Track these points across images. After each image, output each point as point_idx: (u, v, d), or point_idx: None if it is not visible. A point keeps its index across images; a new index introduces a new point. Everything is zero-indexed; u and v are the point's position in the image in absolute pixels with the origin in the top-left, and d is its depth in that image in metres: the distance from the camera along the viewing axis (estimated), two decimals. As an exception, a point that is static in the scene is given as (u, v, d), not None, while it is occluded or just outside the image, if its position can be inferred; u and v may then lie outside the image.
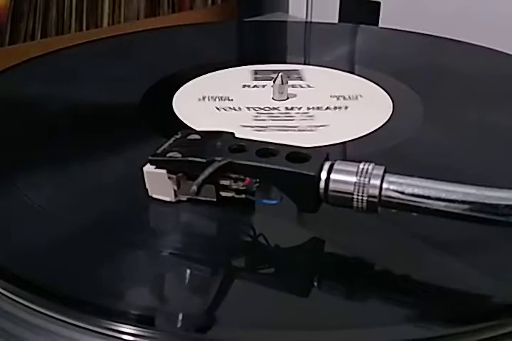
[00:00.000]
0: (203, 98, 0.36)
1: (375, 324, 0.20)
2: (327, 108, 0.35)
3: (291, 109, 0.34)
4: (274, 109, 0.34)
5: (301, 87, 0.38)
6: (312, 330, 0.20)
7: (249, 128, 0.32)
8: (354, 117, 0.34)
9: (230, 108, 0.35)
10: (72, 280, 0.22)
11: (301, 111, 0.34)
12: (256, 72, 0.40)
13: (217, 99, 0.36)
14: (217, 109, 0.35)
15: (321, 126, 0.32)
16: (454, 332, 0.20)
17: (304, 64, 0.42)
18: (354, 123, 0.33)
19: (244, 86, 0.38)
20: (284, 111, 0.34)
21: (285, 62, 0.42)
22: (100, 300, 0.21)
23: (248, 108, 0.35)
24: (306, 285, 0.22)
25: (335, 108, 0.35)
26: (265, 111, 0.34)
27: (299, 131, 0.32)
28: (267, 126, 0.32)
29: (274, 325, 0.20)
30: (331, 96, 0.36)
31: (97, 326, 0.20)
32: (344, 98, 0.36)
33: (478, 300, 0.21)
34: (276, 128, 0.32)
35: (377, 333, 0.20)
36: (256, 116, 0.33)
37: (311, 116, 0.34)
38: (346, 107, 0.35)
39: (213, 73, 0.40)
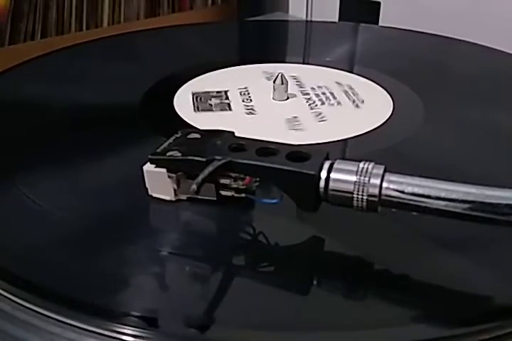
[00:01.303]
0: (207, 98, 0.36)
1: (375, 325, 0.20)
2: (329, 106, 0.35)
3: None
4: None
5: (303, 86, 0.38)
6: (312, 330, 0.20)
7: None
8: (354, 116, 0.34)
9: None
10: (72, 280, 0.22)
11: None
12: (255, 72, 0.40)
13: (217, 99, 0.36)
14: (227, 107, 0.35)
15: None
16: (454, 333, 0.20)
17: (304, 63, 0.42)
18: (354, 122, 0.33)
19: (243, 86, 0.38)
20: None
21: (285, 62, 0.42)
22: (100, 300, 0.21)
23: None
24: (306, 284, 0.22)
25: (337, 104, 0.35)
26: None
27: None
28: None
29: (274, 325, 0.20)
30: (329, 95, 0.36)
31: (96, 327, 0.20)
32: (344, 97, 0.36)
33: (479, 300, 0.21)
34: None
35: (377, 334, 0.20)
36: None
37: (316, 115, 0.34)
38: (346, 106, 0.35)
39: (213, 73, 0.40)
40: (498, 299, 0.21)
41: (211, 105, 0.35)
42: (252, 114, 0.34)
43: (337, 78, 0.39)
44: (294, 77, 0.39)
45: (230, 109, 0.35)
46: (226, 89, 0.37)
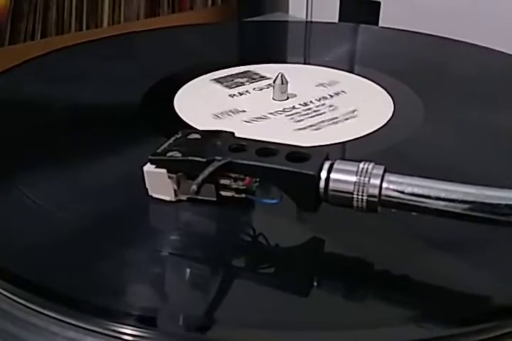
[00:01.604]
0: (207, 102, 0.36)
1: (375, 324, 0.20)
2: (330, 106, 0.35)
3: (293, 108, 0.35)
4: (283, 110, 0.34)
5: (303, 86, 0.38)
6: (312, 330, 0.20)
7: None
8: (340, 124, 0.33)
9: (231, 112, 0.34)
10: (72, 280, 0.22)
11: (302, 110, 0.34)
12: (255, 72, 0.40)
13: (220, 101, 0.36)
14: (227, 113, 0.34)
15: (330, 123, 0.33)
16: (453, 333, 0.20)
17: (304, 63, 0.42)
18: (354, 122, 0.33)
19: (242, 86, 0.38)
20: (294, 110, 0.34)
21: (285, 62, 0.42)
22: (100, 300, 0.21)
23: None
24: (306, 285, 0.22)
25: (337, 105, 0.35)
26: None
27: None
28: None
29: (274, 325, 0.20)
30: (329, 94, 0.36)
31: (96, 326, 0.20)
32: (344, 97, 0.36)
33: (478, 300, 0.21)
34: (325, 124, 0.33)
35: (377, 334, 0.20)
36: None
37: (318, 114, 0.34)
38: (347, 106, 0.35)
39: (213, 73, 0.40)
40: (496, 299, 0.21)
41: (231, 80, 0.37)
42: (232, 97, 0.35)
43: (337, 78, 0.39)
44: (294, 77, 0.39)
45: (230, 88, 0.36)
46: (270, 77, 0.38)
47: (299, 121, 0.33)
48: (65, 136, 0.32)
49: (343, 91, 0.37)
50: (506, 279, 0.22)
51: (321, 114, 0.34)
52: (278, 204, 0.24)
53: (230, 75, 0.39)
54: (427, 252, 0.23)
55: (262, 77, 0.39)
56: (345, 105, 0.35)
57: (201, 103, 0.35)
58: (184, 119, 0.33)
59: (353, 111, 0.34)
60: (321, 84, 0.38)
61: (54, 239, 0.24)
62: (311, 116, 0.34)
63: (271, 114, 0.34)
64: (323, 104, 0.35)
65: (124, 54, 0.44)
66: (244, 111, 0.34)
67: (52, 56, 0.43)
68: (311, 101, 0.35)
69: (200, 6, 0.69)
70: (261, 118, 0.33)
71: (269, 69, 0.40)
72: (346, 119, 0.33)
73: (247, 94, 0.36)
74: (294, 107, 0.35)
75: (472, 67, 0.42)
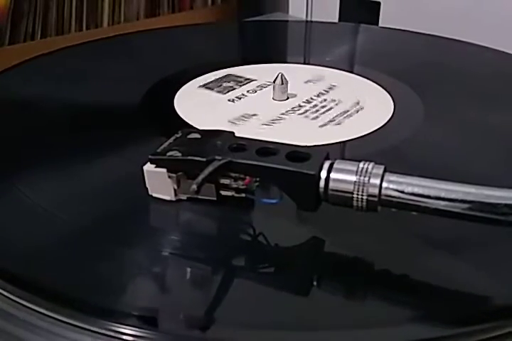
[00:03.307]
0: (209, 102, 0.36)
1: (375, 324, 0.20)
2: (330, 106, 0.35)
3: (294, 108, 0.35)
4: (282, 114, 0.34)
5: (302, 86, 0.38)
6: (312, 330, 0.20)
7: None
8: (354, 116, 0.34)
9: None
10: (72, 280, 0.22)
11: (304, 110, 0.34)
12: (236, 74, 0.40)
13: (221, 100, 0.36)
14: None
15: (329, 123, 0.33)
16: (453, 333, 0.20)
17: (304, 63, 0.42)
18: (354, 122, 0.33)
19: (234, 90, 0.37)
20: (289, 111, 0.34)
21: (285, 62, 0.42)
22: (100, 300, 0.21)
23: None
24: (306, 284, 0.22)
25: (337, 105, 0.35)
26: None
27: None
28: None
29: (274, 325, 0.20)
30: (329, 95, 0.36)
31: (96, 326, 0.20)
32: (344, 97, 0.36)
33: (479, 300, 0.21)
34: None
35: (377, 333, 0.20)
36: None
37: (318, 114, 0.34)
38: (347, 106, 0.35)
39: (213, 73, 0.40)
40: (497, 299, 0.21)
41: (219, 86, 0.36)
42: (233, 102, 0.35)
43: (337, 78, 0.39)
44: (309, 79, 0.39)
45: (225, 93, 0.35)
46: (255, 79, 0.38)
47: (315, 118, 0.33)
48: (65, 135, 0.32)
49: (333, 85, 0.37)
50: (506, 279, 0.22)
51: (330, 109, 0.34)
52: (278, 203, 0.24)
53: (215, 80, 0.38)
54: (427, 252, 0.23)
55: (248, 79, 0.38)
56: (347, 98, 0.35)
57: (206, 110, 0.34)
58: (184, 119, 0.33)
59: (358, 103, 0.35)
60: (310, 81, 0.38)
61: (54, 238, 0.24)
62: (323, 112, 0.34)
63: (283, 114, 0.34)
64: (325, 100, 0.35)
65: (124, 54, 0.44)
66: (255, 114, 0.34)
67: (52, 56, 0.43)
68: (311, 98, 0.36)
69: (200, 6, 0.69)
70: (277, 119, 0.33)
71: (249, 71, 0.40)
72: (357, 111, 0.34)
73: (245, 97, 0.36)
74: (300, 106, 0.35)
75: (472, 66, 0.42)
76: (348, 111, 0.34)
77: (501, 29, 0.55)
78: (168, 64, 0.41)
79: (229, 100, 0.35)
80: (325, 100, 0.35)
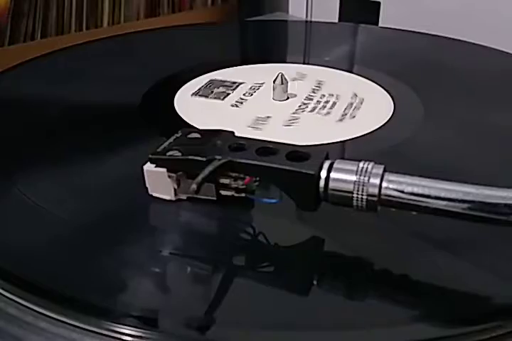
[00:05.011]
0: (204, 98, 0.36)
1: (375, 324, 0.20)
2: (330, 106, 0.35)
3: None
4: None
5: (301, 86, 0.38)
6: (312, 330, 0.20)
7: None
8: (354, 117, 0.34)
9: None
10: (72, 280, 0.22)
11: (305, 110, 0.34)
12: (253, 73, 0.40)
13: (221, 98, 0.36)
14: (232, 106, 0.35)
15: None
16: (453, 332, 0.20)
17: (304, 63, 0.42)
18: (354, 122, 0.33)
19: (230, 95, 0.37)
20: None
21: (285, 62, 0.42)
22: (100, 300, 0.21)
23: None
24: (306, 284, 0.22)
25: (337, 105, 0.35)
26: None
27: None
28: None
29: (274, 325, 0.20)
30: (329, 94, 0.36)
31: (96, 327, 0.20)
32: (344, 97, 0.36)
33: (479, 300, 0.21)
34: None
35: (377, 334, 0.20)
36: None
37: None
38: (347, 106, 0.35)
39: (213, 73, 0.40)
40: (497, 299, 0.21)
41: (212, 92, 0.36)
42: (237, 106, 0.35)
43: (337, 78, 0.39)
44: (294, 78, 0.39)
45: (223, 99, 0.35)
46: (242, 81, 0.37)
47: (327, 113, 0.34)
48: (65, 135, 0.32)
49: (342, 92, 0.37)
50: (506, 279, 0.22)
51: (335, 104, 0.35)
52: (278, 203, 0.24)
53: (204, 87, 0.38)
54: (426, 252, 0.23)
55: (235, 83, 0.38)
56: (342, 92, 0.36)
57: (212, 118, 0.34)
58: (184, 119, 0.33)
59: (356, 95, 0.35)
60: (321, 85, 0.38)
61: (53, 238, 0.24)
62: (331, 107, 0.34)
63: (295, 113, 0.34)
64: (323, 95, 0.36)
65: (124, 54, 0.44)
66: (269, 116, 0.34)
67: (52, 56, 0.43)
68: (310, 95, 0.36)
69: (200, 6, 0.69)
70: (294, 119, 0.33)
71: (229, 74, 0.40)
72: (361, 103, 0.35)
73: (245, 101, 0.36)
74: (304, 103, 0.35)
75: (472, 66, 0.42)
76: (352, 103, 0.34)
77: (501, 29, 0.55)
78: (168, 64, 0.41)
79: (232, 105, 0.35)
80: (324, 95, 0.36)
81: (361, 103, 0.35)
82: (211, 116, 0.34)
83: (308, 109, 0.34)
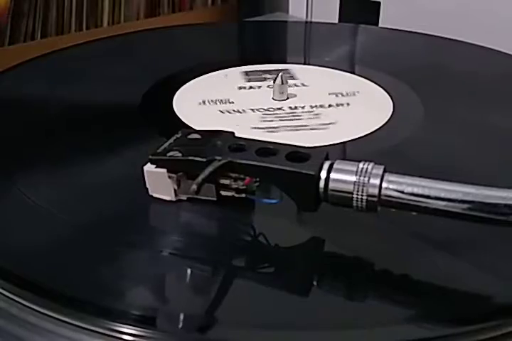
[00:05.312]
0: (203, 101, 0.36)
1: (375, 324, 0.20)
2: (330, 106, 0.35)
3: (295, 108, 0.34)
4: (279, 109, 0.34)
5: (301, 86, 0.38)
6: (312, 330, 0.20)
7: (260, 129, 0.32)
8: (354, 117, 0.34)
9: (233, 110, 0.34)
10: (72, 280, 0.22)
11: (305, 110, 0.34)
12: (253, 72, 0.40)
13: (217, 102, 0.35)
14: (221, 111, 0.34)
15: (329, 123, 0.33)
16: (454, 332, 0.20)
17: (304, 64, 0.42)
18: (354, 123, 0.33)
19: (240, 87, 0.38)
20: (288, 110, 0.34)
21: (285, 62, 0.42)
22: (100, 300, 0.21)
23: (252, 109, 0.34)
24: (306, 285, 0.22)
25: (337, 105, 0.35)
26: (270, 112, 0.34)
27: (311, 129, 0.32)
28: (277, 127, 0.32)
29: (274, 325, 0.20)
30: (329, 94, 0.36)
31: (97, 326, 0.20)
32: (344, 97, 0.36)
33: (479, 300, 0.21)
34: (288, 128, 0.32)
35: (377, 333, 0.20)
36: (262, 117, 0.33)
37: (316, 114, 0.34)
38: (347, 106, 0.35)
39: (213, 73, 0.40)
40: (497, 298, 0.21)
41: (215, 108, 0.35)
42: (236, 106, 0.35)
43: (337, 78, 0.39)
44: (294, 78, 0.39)
45: (234, 112, 0.34)
46: (242, 81, 0.38)
47: (327, 113, 0.34)
48: (65, 136, 0.32)
49: (342, 91, 0.37)
50: (506, 279, 0.22)
51: (335, 104, 0.35)
52: (278, 204, 0.24)
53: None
54: (426, 252, 0.23)
55: (235, 83, 0.38)
56: (342, 92, 0.36)
57: (216, 123, 0.33)
58: (185, 121, 0.33)
59: (356, 95, 0.36)
60: (321, 85, 0.38)
61: (54, 239, 0.24)
62: (315, 114, 0.34)
63: (295, 113, 0.34)
64: (323, 95, 0.36)
65: (124, 54, 0.44)
66: (269, 116, 0.34)
67: (52, 56, 0.43)
68: (310, 95, 0.36)
69: (200, 6, 0.69)
70: (294, 119, 0.33)
71: (267, 69, 0.40)
72: (361, 103, 0.35)
73: (245, 101, 0.36)
74: (304, 103, 0.35)
75: (472, 67, 0.42)
76: (352, 103, 0.35)
77: (501, 29, 0.55)
78: (168, 64, 0.41)
79: (234, 110, 0.35)
80: (323, 96, 0.36)
81: (361, 103, 0.35)
82: (211, 117, 0.34)
83: (308, 109, 0.34)
